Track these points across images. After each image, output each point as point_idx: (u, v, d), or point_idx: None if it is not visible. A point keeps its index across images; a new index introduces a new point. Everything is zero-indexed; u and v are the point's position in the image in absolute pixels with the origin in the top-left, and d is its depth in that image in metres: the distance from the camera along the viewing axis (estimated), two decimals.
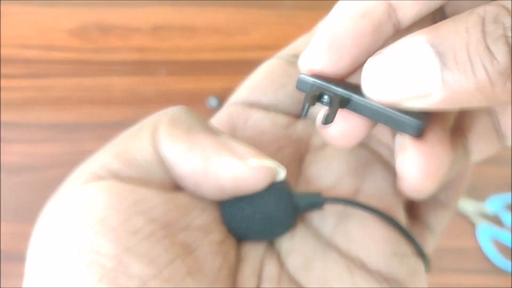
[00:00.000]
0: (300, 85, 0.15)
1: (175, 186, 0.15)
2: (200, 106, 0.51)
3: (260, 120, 0.19)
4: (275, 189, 0.15)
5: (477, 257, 0.44)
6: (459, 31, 0.12)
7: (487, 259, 0.44)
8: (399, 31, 0.15)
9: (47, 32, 0.55)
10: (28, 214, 0.44)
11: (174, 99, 0.51)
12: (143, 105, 0.51)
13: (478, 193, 0.47)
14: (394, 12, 0.15)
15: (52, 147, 0.48)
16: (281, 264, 0.16)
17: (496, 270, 0.44)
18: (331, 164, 0.18)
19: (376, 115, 0.15)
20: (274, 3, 0.58)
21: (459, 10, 0.16)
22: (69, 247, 0.13)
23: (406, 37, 0.13)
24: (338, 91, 0.15)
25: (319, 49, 0.15)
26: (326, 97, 0.15)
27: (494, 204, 0.46)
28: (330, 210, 0.17)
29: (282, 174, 0.15)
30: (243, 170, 0.14)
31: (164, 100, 0.51)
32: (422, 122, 0.14)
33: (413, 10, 0.15)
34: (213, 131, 0.15)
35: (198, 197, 0.15)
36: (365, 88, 0.14)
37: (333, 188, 0.18)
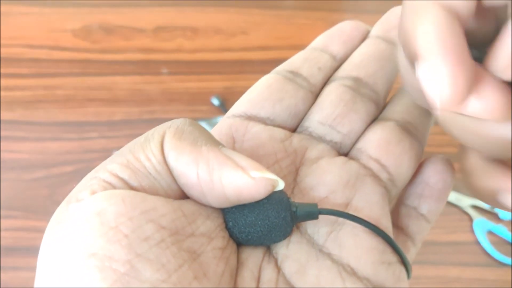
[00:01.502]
0: None
1: (181, 194, 0.16)
2: (203, 105, 0.52)
3: (258, 133, 0.19)
4: (276, 198, 0.16)
5: (475, 250, 0.45)
6: None
7: (484, 253, 0.45)
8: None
9: (52, 32, 0.55)
10: (38, 210, 0.45)
11: (176, 98, 0.52)
12: (146, 103, 0.52)
13: None
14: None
15: (60, 145, 0.49)
16: (278, 270, 0.16)
17: (492, 263, 0.44)
18: (325, 176, 0.19)
19: None
20: (274, 3, 0.59)
21: None
22: (83, 253, 0.13)
23: None
24: None
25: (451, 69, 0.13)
26: None
27: None
28: (323, 219, 0.18)
29: (281, 185, 0.16)
30: (246, 181, 0.15)
31: (166, 99, 0.52)
32: None
33: None
34: (217, 144, 0.16)
35: (202, 205, 0.16)
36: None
37: (326, 199, 0.19)
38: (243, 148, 0.19)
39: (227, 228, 0.16)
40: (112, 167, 0.15)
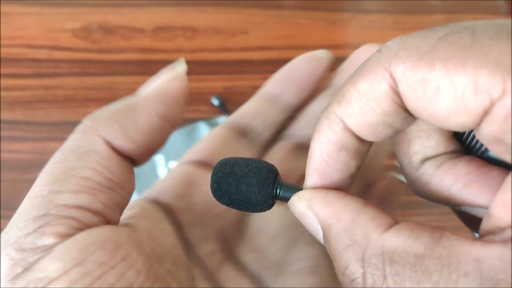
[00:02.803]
0: None
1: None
2: (202, 105, 0.52)
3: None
4: (263, 175, 0.17)
5: None
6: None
7: None
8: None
9: (52, 32, 0.55)
10: None
11: None
12: None
13: None
14: (359, 136, 0.16)
15: (60, 145, 0.49)
16: None
17: None
18: (269, 221, 0.21)
19: None
20: (274, 3, 0.59)
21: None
22: None
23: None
24: None
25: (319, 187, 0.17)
26: None
27: None
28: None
29: None
30: None
31: None
32: None
33: (372, 137, 0.16)
34: None
35: (113, 252, 0.16)
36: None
37: (271, 244, 0.21)
38: (200, 192, 0.21)
39: (212, 189, 0.18)
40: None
